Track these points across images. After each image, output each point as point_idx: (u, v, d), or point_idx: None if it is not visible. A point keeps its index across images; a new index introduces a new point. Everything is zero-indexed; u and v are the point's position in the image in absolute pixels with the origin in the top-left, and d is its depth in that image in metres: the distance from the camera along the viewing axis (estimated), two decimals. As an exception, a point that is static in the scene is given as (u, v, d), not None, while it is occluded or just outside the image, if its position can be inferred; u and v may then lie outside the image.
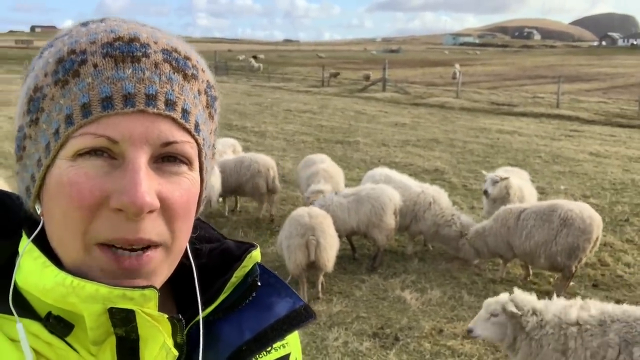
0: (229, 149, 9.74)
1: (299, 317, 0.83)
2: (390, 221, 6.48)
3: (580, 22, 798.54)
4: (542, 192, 9.45)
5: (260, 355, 0.81)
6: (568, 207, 5.66)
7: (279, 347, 0.84)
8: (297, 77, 37.04)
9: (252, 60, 50.79)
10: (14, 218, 0.75)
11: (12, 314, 0.67)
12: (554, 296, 3.80)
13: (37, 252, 0.69)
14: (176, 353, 0.71)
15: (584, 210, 5.66)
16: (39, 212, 0.72)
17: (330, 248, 5.55)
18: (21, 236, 0.73)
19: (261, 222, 8.21)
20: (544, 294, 5.76)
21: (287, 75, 38.39)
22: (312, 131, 15.95)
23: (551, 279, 6.13)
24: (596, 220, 5.60)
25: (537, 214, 5.78)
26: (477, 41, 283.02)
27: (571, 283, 5.93)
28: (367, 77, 31.73)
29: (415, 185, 7.17)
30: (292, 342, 0.88)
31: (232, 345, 0.78)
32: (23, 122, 0.71)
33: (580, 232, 5.51)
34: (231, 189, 8.19)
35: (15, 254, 0.72)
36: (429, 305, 5.57)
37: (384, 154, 12.94)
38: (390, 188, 6.73)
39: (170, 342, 0.71)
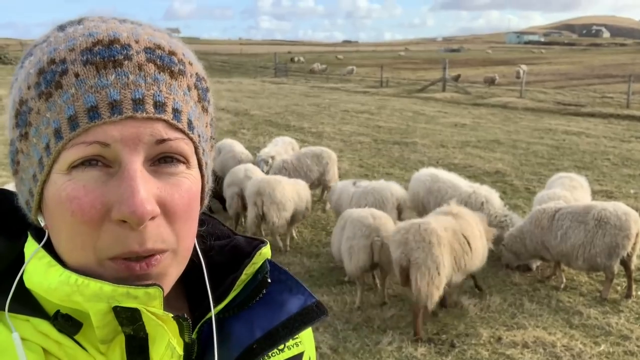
0: (287, 147, 9.87)
1: (311, 314, 0.81)
2: (391, 215, 6.20)
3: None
4: (611, 196, 9.01)
5: (273, 354, 0.79)
6: (602, 207, 5.61)
7: (292, 346, 0.83)
8: (356, 77, 36.96)
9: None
10: (21, 218, 0.75)
11: (22, 313, 0.66)
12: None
13: (42, 252, 0.68)
14: (181, 353, 0.70)
15: (618, 207, 5.59)
16: (42, 224, 0.71)
17: None
18: (27, 236, 0.73)
19: (317, 222, 8.20)
20: (611, 303, 5.52)
21: (345, 76, 38.38)
22: (369, 132, 15.83)
23: (619, 287, 5.82)
24: (632, 216, 5.52)
25: (572, 215, 5.69)
26: (542, 39, 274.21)
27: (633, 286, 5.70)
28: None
29: (465, 185, 6.95)
30: (306, 340, 0.86)
31: (243, 344, 0.77)
32: (14, 136, 0.69)
33: (617, 229, 5.43)
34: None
35: (21, 254, 0.71)
36: (487, 311, 5.39)
37: (442, 155, 12.68)
38: (396, 184, 6.81)
39: (175, 342, 0.69)
